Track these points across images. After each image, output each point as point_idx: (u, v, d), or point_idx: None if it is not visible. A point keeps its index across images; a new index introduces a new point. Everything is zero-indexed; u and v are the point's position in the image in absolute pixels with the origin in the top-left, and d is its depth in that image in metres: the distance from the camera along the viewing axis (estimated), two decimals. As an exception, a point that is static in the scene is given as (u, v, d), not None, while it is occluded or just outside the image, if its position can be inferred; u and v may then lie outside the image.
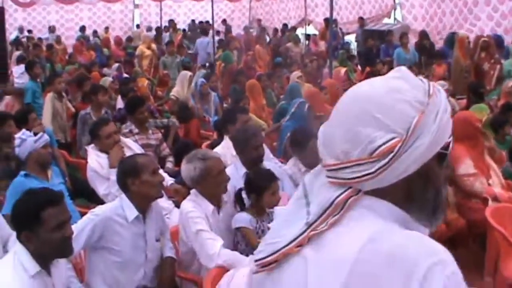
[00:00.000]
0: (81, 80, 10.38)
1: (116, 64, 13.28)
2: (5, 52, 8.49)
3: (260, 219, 4.28)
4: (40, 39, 21.09)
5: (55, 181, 5.40)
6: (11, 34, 21.87)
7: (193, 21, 25.44)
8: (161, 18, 20.46)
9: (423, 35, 14.96)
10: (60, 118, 8.82)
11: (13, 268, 2.89)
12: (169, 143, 7.43)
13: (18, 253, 2.92)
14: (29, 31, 23.52)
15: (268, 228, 4.27)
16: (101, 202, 5.68)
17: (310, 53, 17.42)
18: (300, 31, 21.11)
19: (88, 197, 6.18)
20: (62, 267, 3.23)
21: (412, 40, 15.18)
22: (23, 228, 2.88)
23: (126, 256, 3.90)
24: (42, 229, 2.82)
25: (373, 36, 16.40)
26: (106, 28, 24.86)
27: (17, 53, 14.06)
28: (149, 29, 24.29)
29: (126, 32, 24.82)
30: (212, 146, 6.45)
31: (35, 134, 5.46)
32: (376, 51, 15.27)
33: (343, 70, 12.23)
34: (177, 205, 5.51)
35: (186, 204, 4.13)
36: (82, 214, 5.32)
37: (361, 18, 18.59)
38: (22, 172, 5.30)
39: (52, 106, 8.73)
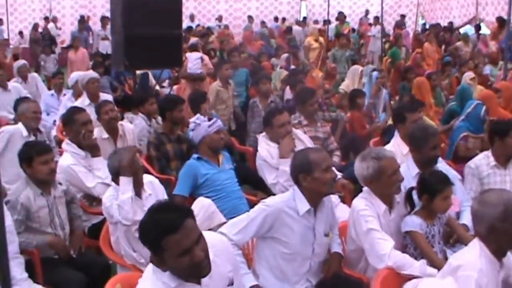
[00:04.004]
0: (256, 69, 10.58)
1: (285, 55, 13.40)
2: (180, 39, 8.79)
3: (431, 223, 4.12)
4: (208, 28, 21.75)
5: (226, 166, 5.52)
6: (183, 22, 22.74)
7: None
8: (328, 11, 20.40)
9: None
10: (225, 106, 9.02)
11: (152, 284, 2.83)
12: (336, 137, 7.37)
13: (155, 270, 2.83)
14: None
15: (439, 233, 4.14)
16: (266, 190, 5.79)
17: (480, 53, 16.65)
18: (462, 30, 20.26)
19: (254, 184, 6.26)
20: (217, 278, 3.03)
21: None
22: (152, 253, 2.78)
23: (294, 248, 3.88)
24: (167, 256, 2.70)
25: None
26: (276, 19, 25.19)
27: (192, 40, 14.62)
28: (315, 21, 24.34)
29: (292, 23, 24.98)
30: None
31: (209, 119, 5.61)
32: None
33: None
34: (343, 200, 5.48)
35: (359, 201, 4.05)
36: (249, 201, 5.47)
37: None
38: (194, 155, 5.48)
39: (216, 94, 8.95)
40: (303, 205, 3.87)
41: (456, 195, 4.67)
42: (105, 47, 17.72)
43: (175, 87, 10.86)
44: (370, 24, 22.25)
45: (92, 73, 8.56)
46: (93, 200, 5.45)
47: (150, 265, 2.84)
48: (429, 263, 3.81)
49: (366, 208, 3.96)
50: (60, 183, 4.77)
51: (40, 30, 21.90)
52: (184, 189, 5.27)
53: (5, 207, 3.87)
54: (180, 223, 2.68)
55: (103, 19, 19.93)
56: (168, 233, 2.66)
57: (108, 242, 4.59)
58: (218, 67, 9.64)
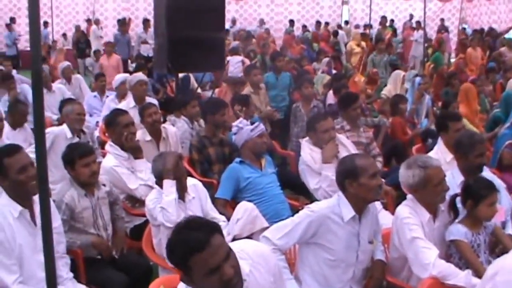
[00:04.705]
0: (300, 74, 10.58)
1: (326, 59, 13.36)
2: (223, 42, 8.83)
3: (476, 232, 4.05)
4: (248, 31, 21.82)
5: (268, 170, 5.52)
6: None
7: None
8: (370, 15, 20.33)
9: None
10: (259, 111, 9.01)
11: None
12: (378, 142, 7.32)
13: None
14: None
15: (485, 242, 4.07)
16: (308, 194, 5.78)
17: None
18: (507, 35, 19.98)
19: (295, 188, 6.25)
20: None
21: None
22: (181, 272, 2.71)
23: (338, 255, 3.86)
24: (196, 276, 2.63)
25: None
26: (318, 23, 25.16)
27: (232, 44, 14.67)
28: (356, 26, 24.25)
29: (333, 28, 24.90)
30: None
31: (252, 123, 5.61)
32: None
33: None
34: (385, 207, 5.43)
35: (403, 209, 4.00)
36: (291, 206, 5.46)
37: None
38: (237, 159, 5.49)
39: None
40: (348, 212, 3.84)
41: (502, 204, 4.58)
42: (146, 49, 17.89)
43: (216, 90, 10.90)
44: (413, 29, 22.05)
45: (141, 75, 8.59)
46: (135, 201, 5.49)
47: (182, 285, 2.79)
48: (475, 274, 3.73)
49: (410, 216, 3.91)
50: (103, 184, 4.81)
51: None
52: (227, 192, 5.29)
53: (54, 208, 3.95)
54: (206, 241, 2.58)
55: (145, 21, 20.12)
56: (194, 252, 2.57)
57: (150, 244, 4.62)
58: (248, 72, 9.61)
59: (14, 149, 3.96)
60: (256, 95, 8.96)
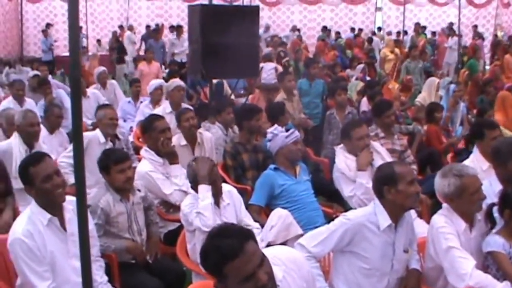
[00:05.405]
0: (334, 80, 10.56)
1: (361, 65, 13.31)
2: (257, 49, 8.84)
3: (514, 243, 3.97)
4: (280, 37, 21.83)
5: (303, 177, 5.49)
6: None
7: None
8: (403, 22, 20.23)
9: None
10: (292, 117, 8.98)
11: None
12: (413, 150, 7.26)
13: None
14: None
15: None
16: (341, 202, 5.75)
17: None
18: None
19: (328, 196, 6.22)
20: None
21: None
22: (215, 279, 2.71)
23: (373, 264, 3.83)
24: (230, 283, 2.63)
25: None
26: (353, 29, 25.09)
27: (265, 51, 14.69)
28: (389, 33, 24.13)
29: (366, 34, 24.82)
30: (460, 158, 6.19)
31: (287, 130, 5.60)
32: None
33: None
34: (419, 215, 5.37)
35: (438, 218, 3.95)
36: (324, 213, 5.43)
37: None
38: (272, 166, 5.47)
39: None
40: (385, 220, 3.81)
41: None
42: (179, 55, 18.04)
43: (249, 96, 10.91)
44: (447, 35, 21.87)
45: (179, 81, 8.66)
46: (170, 207, 5.51)
47: None
48: (513, 285, 3.69)
49: (446, 226, 3.86)
50: (138, 190, 4.85)
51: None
52: (261, 199, 5.28)
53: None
54: (239, 248, 2.58)
55: (178, 28, 20.28)
56: (228, 259, 2.57)
57: (184, 250, 4.62)
58: (281, 78, 9.59)
59: (38, 158, 3.98)
60: (289, 102, 8.95)
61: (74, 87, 2.82)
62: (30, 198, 3.98)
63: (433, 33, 24.11)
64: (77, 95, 2.77)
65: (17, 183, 4.91)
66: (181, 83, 8.61)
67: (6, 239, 3.90)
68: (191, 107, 7.73)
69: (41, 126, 6.57)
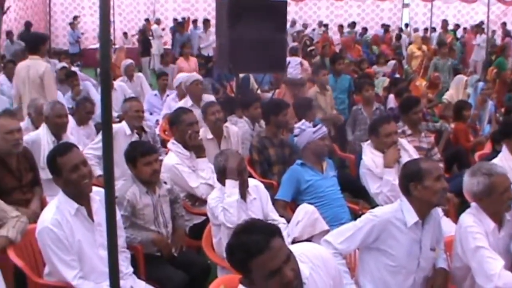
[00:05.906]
0: (361, 76, 10.51)
1: (393, 61, 13.23)
2: (284, 43, 8.81)
3: (543, 243, 3.93)
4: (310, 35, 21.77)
5: (329, 173, 5.47)
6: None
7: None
8: (431, 18, 20.05)
9: None
10: (324, 112, 8.95)
11: None
12: (440, 148, 7.19)
13: None
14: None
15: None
16: (367, 198, 5.72)
17: None
18: None
19: (354, 192, 6.19)
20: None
21: None
22: (241, 275, 2.72)
23: (400, 261, 3.79)
24: (256, 278, 2.64)
25: None
26: (383, 25, 24.93)
27: (291, 45, 14.65)
28: (415, 29, 23.95)
29: (393, 30, 24.67)
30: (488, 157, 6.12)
31: (314, 125, 5.58)
32: None
33: None
34: (446, 214, 5.33)
35: (466, 218, 3.90)
36: (350, 210, 5.42)
37: None
38: (298, 161, 5.46)
39: (315, 99, 8.88)
40: (411, 217, 3.78)
41: None
42: (205, 49, 18.05)
43: (276, 91, 10.90)
44: (476, 33, 21.66)
45: (196, 75, 8.70)
46: (195, 200, 5.53)
47: (241, 287, 2.77)
48: (542, 287, 3.63)
49: (474, 225, 3.81)
50: (165, 182, 4.86)
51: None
52: (287, 194, 5.27)
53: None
54: (265, 244, 2.60)
55: (205, 21, 20.30)
56: (254, 255, 2.59)
57: (210, 243, 4.63)
58: (316, 72, 9.56)
59: (66, 148, 4.02)
60: (322, 96, 8.94)
61: (104, 80, 2.81)
62: (57, 189, 4.02)
63: (464, 29, 23.89)
64: (107, 88, 2.77)
65: (45, 174, 4.99)
66: (198, 76, 8.63)
67: (34, 229, 3.96)
68: (213, 100, 7.73)
69: (69, 117, 6.62)
